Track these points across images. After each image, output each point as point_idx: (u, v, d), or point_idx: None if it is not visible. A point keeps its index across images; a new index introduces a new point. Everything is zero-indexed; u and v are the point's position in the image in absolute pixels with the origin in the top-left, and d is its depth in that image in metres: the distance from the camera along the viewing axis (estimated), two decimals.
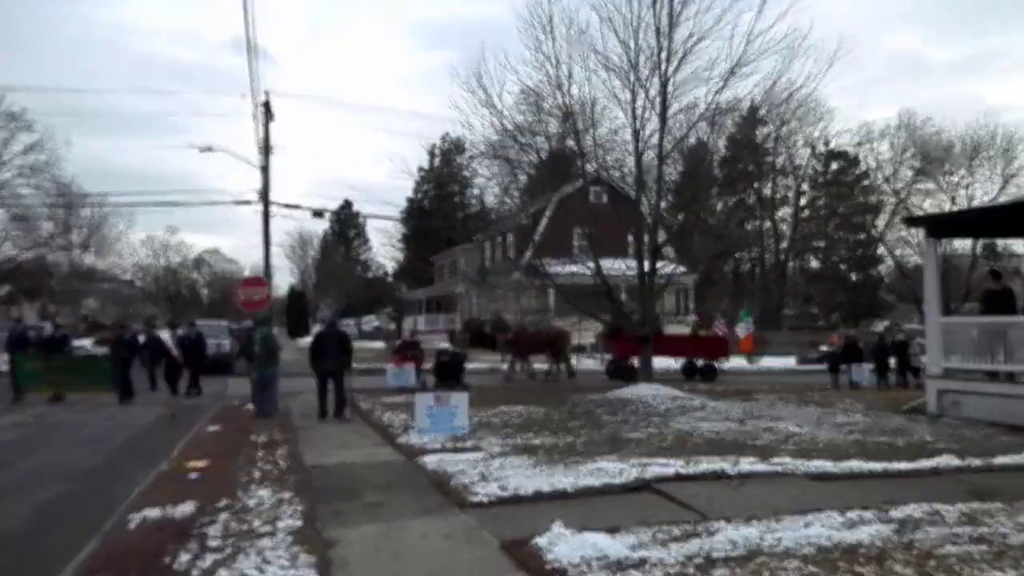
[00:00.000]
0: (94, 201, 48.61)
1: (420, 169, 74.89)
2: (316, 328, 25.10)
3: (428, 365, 22.01)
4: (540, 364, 24.30)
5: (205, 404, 17.82)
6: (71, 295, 57.25)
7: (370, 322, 72.91)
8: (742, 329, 28.80)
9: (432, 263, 66.36)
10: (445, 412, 11.39)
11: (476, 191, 57.28)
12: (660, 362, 29.50)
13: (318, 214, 29.78)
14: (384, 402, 16.47)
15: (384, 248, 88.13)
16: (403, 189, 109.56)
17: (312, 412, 14.54)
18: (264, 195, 23.02)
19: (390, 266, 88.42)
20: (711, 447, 10.45)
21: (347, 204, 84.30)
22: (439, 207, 67.94)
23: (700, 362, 25.12)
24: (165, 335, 19.27)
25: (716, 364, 25.01)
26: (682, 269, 22.76)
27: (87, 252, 54.29)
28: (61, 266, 51.95)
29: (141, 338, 18.90)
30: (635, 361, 24.56)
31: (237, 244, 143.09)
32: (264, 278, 20.07)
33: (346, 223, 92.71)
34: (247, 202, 24.85)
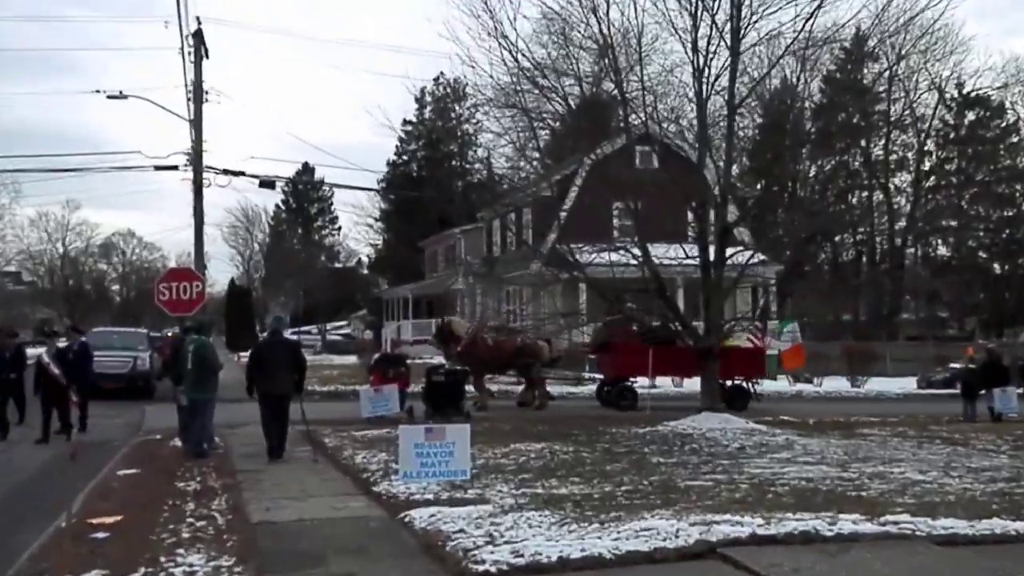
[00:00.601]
0: None
1: (406, 123, 75.09)
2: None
3: (417, 387, 22.15)
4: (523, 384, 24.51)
5: (117, 439, 17.95)
6: None
7: (339, 329, 73.52)
8: (786, 338, 28.67)
9: (421, 250, 66.68)
10: (440, 451, 11.42)
11: (481, 152, 57.41)
12: (661, 384, 29.44)
13: (268, 184, 29.88)
14: (357, 437, 16.55)
15: (357, 229, 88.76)
16: (383, 150, 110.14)
17: (260, 450, 14.65)
18: (195, 158, 23.17)
19: (365, 253, 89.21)
20: (800, 500, 10.45)
21: (306, 169, 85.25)
22: (431, 174, 68.14)
23: (728, 383, 25.17)
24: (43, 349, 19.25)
25: (751, 386, 25.17)
26: (760, 257, 22.69)
27: None
28: None
29: (41, 352, 18.92)
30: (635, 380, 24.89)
31: (159, 225, 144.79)
32: (196, 270, 20.22)
33: (305, 196, 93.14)
34: (172, 167, 24.89)
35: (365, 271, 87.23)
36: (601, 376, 27.43)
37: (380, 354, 23.29)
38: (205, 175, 23.71)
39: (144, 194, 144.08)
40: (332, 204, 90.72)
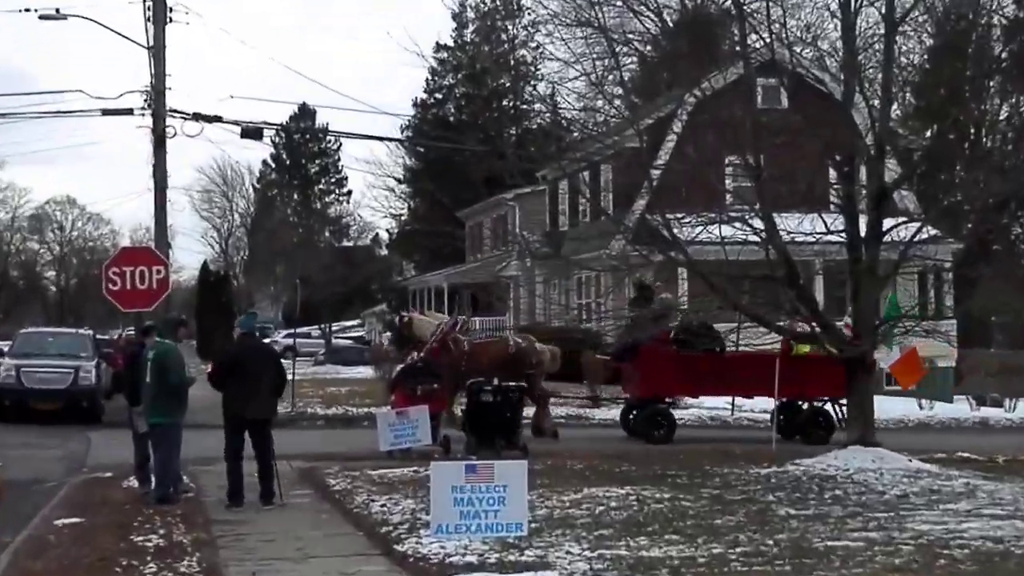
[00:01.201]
0: None
1: (440, 48, 75.24)
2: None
3: (456, 409, 22.13)
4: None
5: (53, 478, 18.23)
6: None
7: (349, 331, 73.95)
8: (896, 341, 28.08)
9: (460, 222, 66.77)
10: (487, 496, 11.43)
11: (543, 88, 57.25)
12: (710, 404, 29.69)
13: (252, 133, 30.19)
14: (374, 477, 16.64)
15: (373, 194, 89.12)
16: (408, 85, 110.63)
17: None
18: (156, 98, 23.46)
19: (384, 228, 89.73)
20: (985, 568, 10.35)
21: (304, 113, 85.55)
22: (474, 118, 68.22)
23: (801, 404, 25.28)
24: None
25: (836, 410, 24.99)
26: (930, 231, 22.38)
27: None
28: None
29: None
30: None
31: (108, 191, 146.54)
32: (158, 250, 20.48)
33: (303, 149, 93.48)
34: (125, 112, 25.21)
35: (383, 251, 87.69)
36: (626, 395, 27.43)
37: (406, 365, 23.28)
38: (169, 121, 24.13)
39: (88, 149, 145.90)
40: (339, 160, 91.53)
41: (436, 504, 11.51)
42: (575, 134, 27.44)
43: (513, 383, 22.75)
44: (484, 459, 13.04)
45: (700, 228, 21.31)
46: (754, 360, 24.85)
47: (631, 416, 26.00)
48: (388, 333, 26.36)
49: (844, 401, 24.87)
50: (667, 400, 25.77)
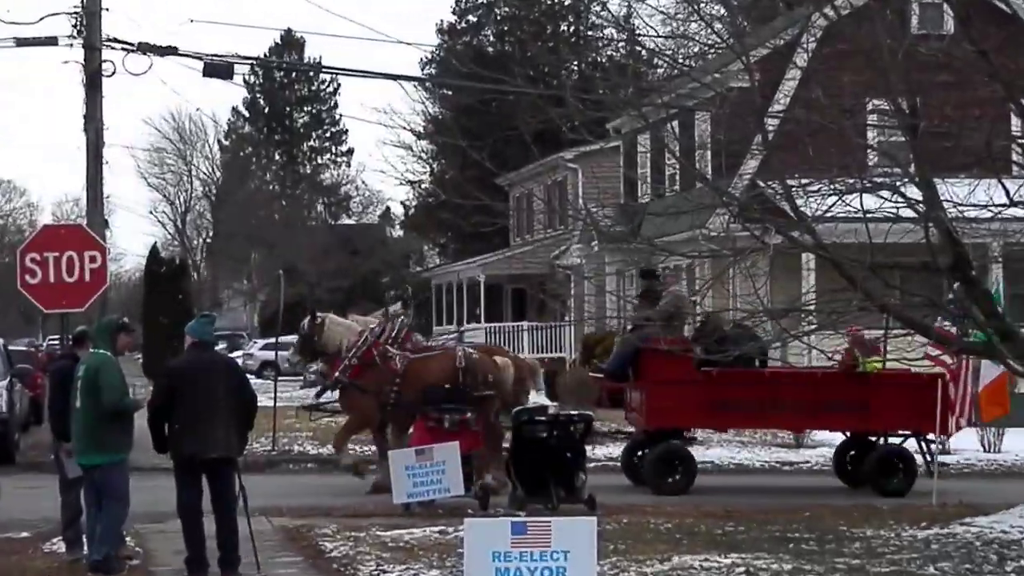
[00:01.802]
0: None
1: None
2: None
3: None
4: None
5: None
6: None
7: None
8: (989, 369, 27.88)
9: (503, 191, 66.70)
10: (542, 567, 11.42)
11: (614, 6, 57.26)
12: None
13: (219, 71, 30.27)
14: (386, 540, 16.75)
15: (384, 154, 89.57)
16: (430, 3, 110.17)
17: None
18: (88, 22, 23.60)
19: (399, 199, 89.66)
20: None
21: (288, 43, 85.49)
22: (520, 49, 68.31)
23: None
24: None
25: (925, 447, 24.98)
26: None
27: None
28: None
29: None
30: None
31: (23, 151, 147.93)
32: (91, 229, 20.60)
33: (285, 94, 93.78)
34: (47, 42, 25.33)
35: (397, 231, 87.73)
36: (631, 429, 27.52)
37: (428, 387, 23.32)
38: (107, 55, 24.24)
39: None
40: (336, 108, 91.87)
41: None
42: (660, 70, 27.47)
43: (575, 412, 22.79)
44: (535, 515, 12.99)
45: (833, 199, 21.26)
46: (807, 379, 25.17)
47: (637, 456, 25.48)
48: (297, 340, 25.78)
49: (932, 437, 24.87)
50: (685, 434, 25.55)
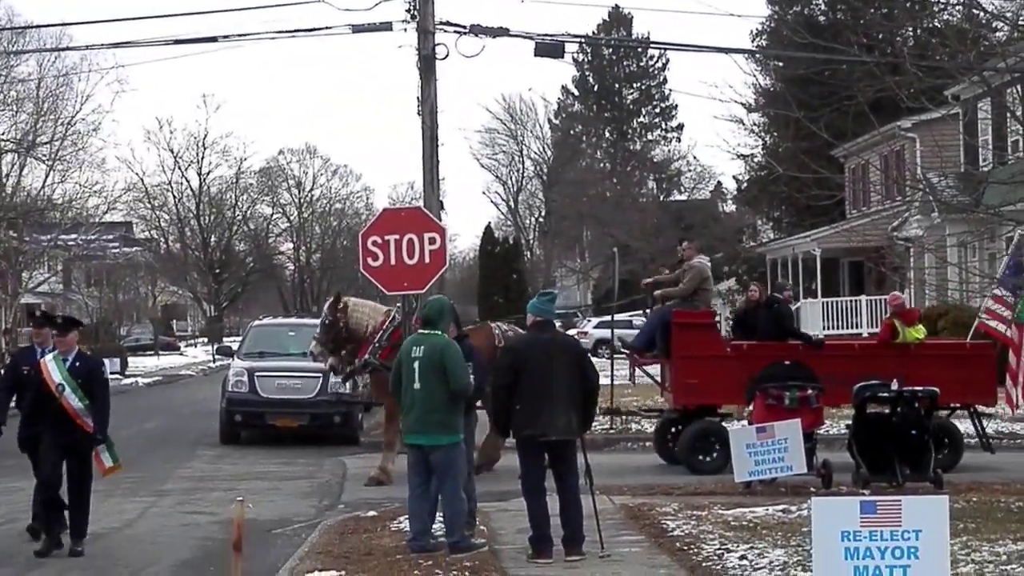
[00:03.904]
0: None
1: None
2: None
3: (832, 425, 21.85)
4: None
5: (299, 517, 18.95)
6: None
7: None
8: None
9: (838, 163, 65.60)
10: (892, 546, 11.13)
11: None
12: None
13: (549, 50, 30.37)
14: (728, 518, 16.70)
15: (715, 128, 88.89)
16: None
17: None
18: (421, 5, 24.04)
19: (730, 174, 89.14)
20: None
21: (616, 19, 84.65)
22: (853, 17, 66.52)
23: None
24: None
25: (978, 422, 23.73)
26: None
27: None
28: None
29: None
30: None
31: (357, 136, 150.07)
32: (428, 213, 21.02)
33: (614, 71, 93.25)
34: (383, 27, 25.66)
35: (730, 206, 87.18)
36: (663, 404, 26.35)
37: (768, 365, 23.11)
38: (439, 38, 24.52)
39: (333, 78, 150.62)
40: (665, 83, 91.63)
41: (821, 558, 11.37)
42: (1001, 33, 26.75)
43: (919, 388, 22.37)
44: (879, 494, 12.76)
45: None
46: (846, 351, 24.92)
47: (671, 433, 24.63)
48: (320, 323, 24.33)
49: (983, 409, 23.94)
50: (719, 411, 24.39)
